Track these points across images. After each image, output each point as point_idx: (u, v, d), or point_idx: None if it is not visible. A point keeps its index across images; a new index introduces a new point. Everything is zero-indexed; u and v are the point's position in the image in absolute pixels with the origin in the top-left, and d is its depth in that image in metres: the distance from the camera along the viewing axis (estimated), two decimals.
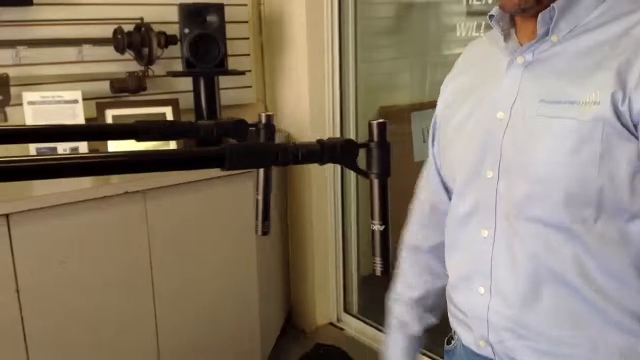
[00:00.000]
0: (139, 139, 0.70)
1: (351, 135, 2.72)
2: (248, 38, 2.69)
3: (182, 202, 2.20)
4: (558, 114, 0.88)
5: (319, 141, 0.61)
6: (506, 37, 0.99)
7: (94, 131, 0.69)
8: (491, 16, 0.99)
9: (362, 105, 2.77)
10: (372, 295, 3.05)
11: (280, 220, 2.80)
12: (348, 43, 2.63)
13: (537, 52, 0.94)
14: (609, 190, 0.85)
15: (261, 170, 0.85)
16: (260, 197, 0.84)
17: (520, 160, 0.93)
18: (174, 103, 2.35)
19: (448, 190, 1.14)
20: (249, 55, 2.70)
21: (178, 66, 2.42)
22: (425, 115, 3.05)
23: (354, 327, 2.88)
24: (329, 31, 2.60)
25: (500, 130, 0.96)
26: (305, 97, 2.62)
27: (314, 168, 2.58)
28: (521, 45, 0.97)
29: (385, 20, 3.02)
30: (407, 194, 3.32)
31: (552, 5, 0.89)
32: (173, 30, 2.36)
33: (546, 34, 0.92)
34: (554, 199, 0.89)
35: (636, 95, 0.82)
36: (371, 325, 2.82)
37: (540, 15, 0.90)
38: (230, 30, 2.44)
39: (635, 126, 0.83)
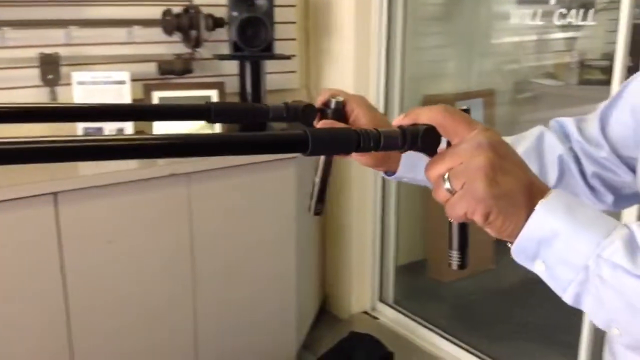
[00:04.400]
0: (213, 120, 0.69)
1: None
2: (295, 22, 2.67)
3: (225, 186, 2.20)
4: None
5: (400, 127, 0.60)
6: None
7: (164, 111, 0.68)
8: None
9: (407, 94, 2.73)
10: (408, 285, 3.04)
11: None
12: (396, 30, 2.60)
13: None
14: None
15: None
16: (318, 179, 0.82)
17: None
18: (219, 86, 2.35)
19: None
20: (294, 40, 2.68)
21: (224, 49, 2.42)
22: (470, 105, 3.00)
23: (389, 316, 2.87)
24: (377, 17, 2.57)
25: None
26: (350, 85, 2.60)
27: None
28: None
29: (436, 7, 2.97)
30: None
31: None
32: (221, 13, 2.35)
33: None
34: None
35: None
36: (406, 315, 2.81)
37: None
38: (276, 14, 2.42)
39: None
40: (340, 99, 0.80)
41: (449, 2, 3.01)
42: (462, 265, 0.66)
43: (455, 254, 0.65)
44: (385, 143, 0.58)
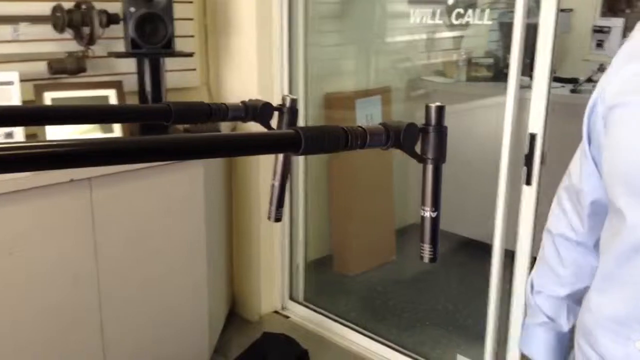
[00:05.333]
0: (172, 121, 0.65)
1: (300, 122, 2.69)
2: (192, 19, 2.59)
3: (129, 190, 2.10)
4: None
5: (384, 125, 0.59)
6: None
7: (122, 112, 0.63)
8: None
9: (309, 92, 2.74)
10: (316, 282, 3.06)
11: (225, 208, 2.74)
12: (298, 27, 2.59)
13: None
14: None
15: (280, 155, 0.81)
16: (276, 183, 0.80)
17: None
18: (117, 85, 2.23)
19: None
20: (193, 37, 2.60)
21: (119, 47, 2.30)
22: (369, 102, 3.07)
23: (300, 314, 2.87)
24: (279, 15, 2.55)
25: None
26: (254, 82, 2.56)
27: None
28: None
29: (334, 5, 3.00)
30: (355, 177, 3.33)
31: None
32: (115, 8, 2.23)
33: None
34: None
35: None
36: (317, 312, 2.83)
37: None
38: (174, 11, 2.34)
39: None
40: (295, 97, 0.78)
41: (346, 0, 3.05)
42: (434, 258, 0.67)
43: (427, 247, 0.66)
44: (370, 140, 0.58)
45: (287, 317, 2.88)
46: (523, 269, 2.05)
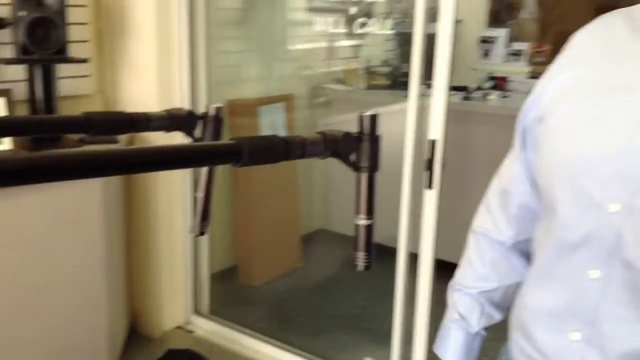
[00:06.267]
0: (92, 132, 0.60)
1: None
2: (86, 23, 2.47)
3: (19, 207, 1.96)
4: None
5: (322, 134, 0.58)
6: None
7: (35, 124, 0.57)
8: None
9: (211, 99, 2.69)
10: (222, 294, 3.00)
11: (124, 221, 2.62)
12: (198, 33, 2.53)
13: None
14: None
15: (205, 167, 0.78)
16: (201, 195, 0.78)
17: None
18: (6, 94, 2.08)
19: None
20: (87, 42, 2.48)
21: (7, 52, 2.15)
22: (272, 109, 3.07)
23: (205, 328, 2.79)
24: (178, 18, 2.48)
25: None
26: (153, 89, 2.47)
27: None
28: None
29: (235, 12, 2.97)
30: (259, 185, 3.29)
31: None
32: (1, 12, 2.09)
33: None
34: None
35: None
36: (223, 325, 2.77)
37: None
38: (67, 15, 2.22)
39: None
40: (220, 105, 0.76)
41: (247, 7, 3.03)
42: (369, 266, 0.67)
43: (361, 255, 0.66)
44: (309, 150, 0.57)
45: (191, 331, 2.80)
46: (426, 270, 2.11)
